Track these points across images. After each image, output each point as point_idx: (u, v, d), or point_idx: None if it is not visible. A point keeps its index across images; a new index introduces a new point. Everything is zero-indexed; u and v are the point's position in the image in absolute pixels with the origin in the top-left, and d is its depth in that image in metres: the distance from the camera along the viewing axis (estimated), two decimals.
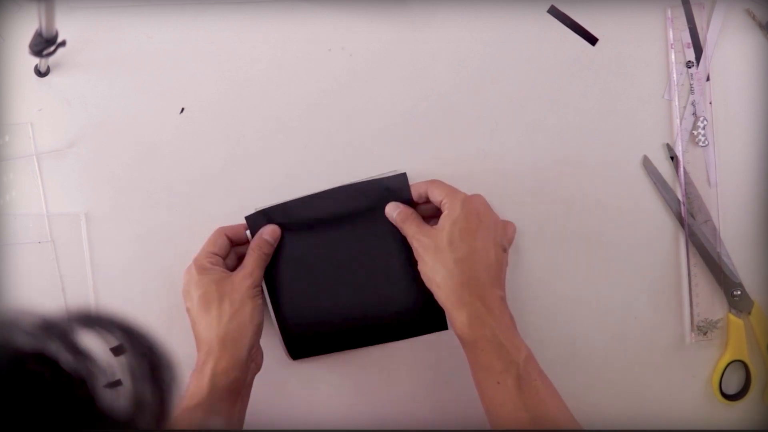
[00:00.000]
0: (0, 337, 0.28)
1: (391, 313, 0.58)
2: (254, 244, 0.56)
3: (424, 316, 0.57)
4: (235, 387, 0.52)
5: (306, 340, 0.59)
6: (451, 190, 0.54)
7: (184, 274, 0.56)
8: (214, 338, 0.52)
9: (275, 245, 0.57)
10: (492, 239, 0.53)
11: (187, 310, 0.55)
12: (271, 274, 0.57)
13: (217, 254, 0.56)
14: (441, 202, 0.54)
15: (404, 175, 0.57)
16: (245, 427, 0.55)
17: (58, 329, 0.30)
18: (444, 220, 0.53)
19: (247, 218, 0.57)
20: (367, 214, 0.57)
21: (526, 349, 0.51)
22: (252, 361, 0.54)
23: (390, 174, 0.57)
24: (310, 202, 0.57)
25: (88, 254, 0.59)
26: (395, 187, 0.57)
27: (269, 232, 0.57)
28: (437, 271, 0.52)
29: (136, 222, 0.59)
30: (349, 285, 0.58)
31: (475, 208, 0.53)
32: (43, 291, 0.58)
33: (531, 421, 0.48)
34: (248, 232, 0.57)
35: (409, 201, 0.57)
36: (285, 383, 0.60)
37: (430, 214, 0.56)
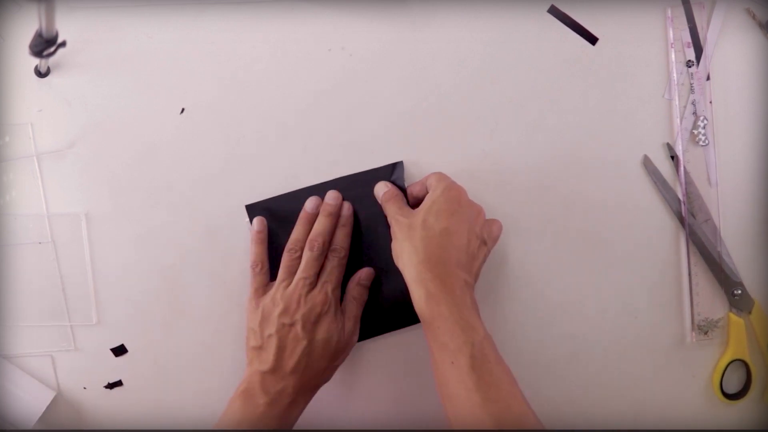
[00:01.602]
0: None
1: (383, 303, 0.58)
2: (355, 293, 0.58)
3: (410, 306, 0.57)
4: None
5: None
6: (442, 176, 0.55)
7: (321, 296, 0.55)
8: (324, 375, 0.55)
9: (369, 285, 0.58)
10: (467, 226, 0.52)
11: (294, 323, 0.54)
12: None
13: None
14: (430, 185, 0.55)
15: (401, 163, 0.58)
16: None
17: None
18: (425, 200, 0.53)
19: (247, 207, 0.58)
20: (364, 203, 0.58)
21: (484, 331, 0.50)
22: None
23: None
24: (309, 193, 0.58)
25: (88, 254, 0.59)
26: (391, 176, 0.58)
27: (365, 277, 0.58)
28: (404, 248, 0.52)
29: (136, 222, 0.59)
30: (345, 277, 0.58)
31: (457, 194, 0.54)
32: (43, 291, 0.58)
33: (482, 404, 0.47)
34: (247, 221, 0.58)
35: (403, 187, 0.58)
36: None
37: None
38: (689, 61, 0.59)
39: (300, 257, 0.55)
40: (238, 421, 0.52)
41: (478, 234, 0.53)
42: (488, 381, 0.48)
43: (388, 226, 0.56)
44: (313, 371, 0.53)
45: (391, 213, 0.55)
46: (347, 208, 0.58)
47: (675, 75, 0.59)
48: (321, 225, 0.56)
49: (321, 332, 0.53)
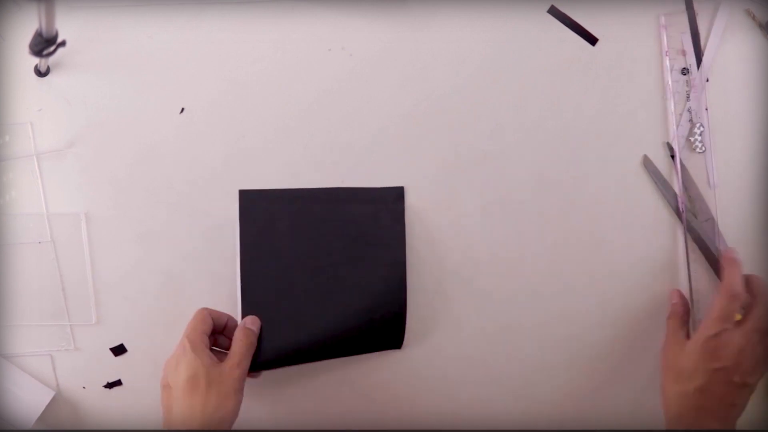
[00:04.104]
0: None
1: (357, 326, 0.57)
2: (240, 334, 0.55)
3: (383, 333, 0.58)
4: None
5: (272, 352, 0.57)
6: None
7: (177, 349, 0.54)
8: (194, 425, 0.51)
9: (258, 333, 0.56)
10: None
11: (166, 386, 0.53)
12: (252, 267, 0.57)
13: (207, 334, 0.55)
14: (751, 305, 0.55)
15: (402, 188, 0.58)
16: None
17: None
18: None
19: (240, 192, 0.58)
20: (356, 220, 0.58)
21: None
22: None
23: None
24: (304, 195, 0.58)
25: (88, 254, 0.59)
26: (391, 199, 0.58)
27: (251, 321, 0.56)
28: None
29: (137, 222, 0.59)
30: (324, 290, 0.58)
31: None
32: (42, 291, 0.58)
33: None
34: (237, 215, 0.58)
35: (401, 214, 0.58)
36: (281, 381, 0.60)
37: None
38: (684, 68, 0.59)
39: None
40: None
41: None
42: None
43: (374, 251, 0.57)
44: None
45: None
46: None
47: (670, 83, 0.59)
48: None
49: (230, 406, 0.53)
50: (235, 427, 0.58)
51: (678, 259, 0.60)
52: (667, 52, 0.59)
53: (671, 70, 0.59)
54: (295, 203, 0.58)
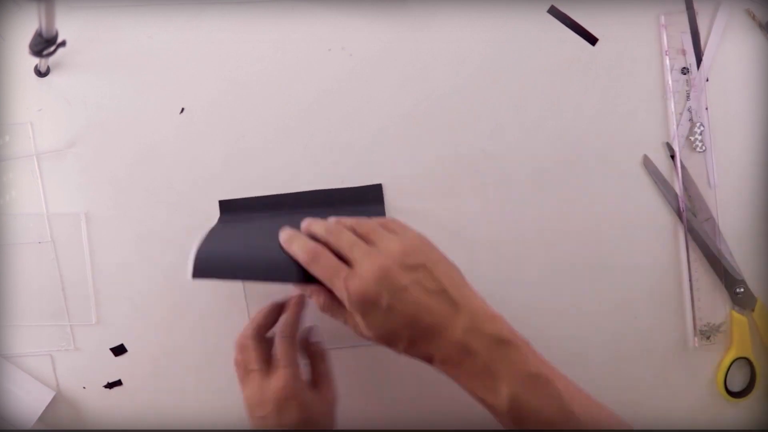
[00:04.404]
0: None
1: None
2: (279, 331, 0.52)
3: None
4: None
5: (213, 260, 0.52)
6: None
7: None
8: None
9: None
10: None
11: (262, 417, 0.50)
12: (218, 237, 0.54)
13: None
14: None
15: (380, 186, 0.58)
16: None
17: None
18: None
19: (220, 202, 0.58)
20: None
21: None
22: None
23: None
24: (282, 201, 0.58)
25: (88, 254, 0.59)
26: (369, 198, 0.58)
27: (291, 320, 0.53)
28: None
29: (137, 222, 0.59)
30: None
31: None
32: (43, 291, 0.58)
33: None
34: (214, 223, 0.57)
35: (382, 213, 0.58)
36: None
37: None
38: (684, 68, 0.59)
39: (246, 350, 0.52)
40: None
41: None
42: None
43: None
44: None
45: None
46: (298, 297, 0.54)
47: (671, 82, 0.59)
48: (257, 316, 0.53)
49: (292, 417, 0.50)
50: (236, 427, 0.58)
51: (678, 259, 0.60)
52: (667, 51, 0.59)
53: (671, 70, 0.59)
54: (273, 209, 0.58)
